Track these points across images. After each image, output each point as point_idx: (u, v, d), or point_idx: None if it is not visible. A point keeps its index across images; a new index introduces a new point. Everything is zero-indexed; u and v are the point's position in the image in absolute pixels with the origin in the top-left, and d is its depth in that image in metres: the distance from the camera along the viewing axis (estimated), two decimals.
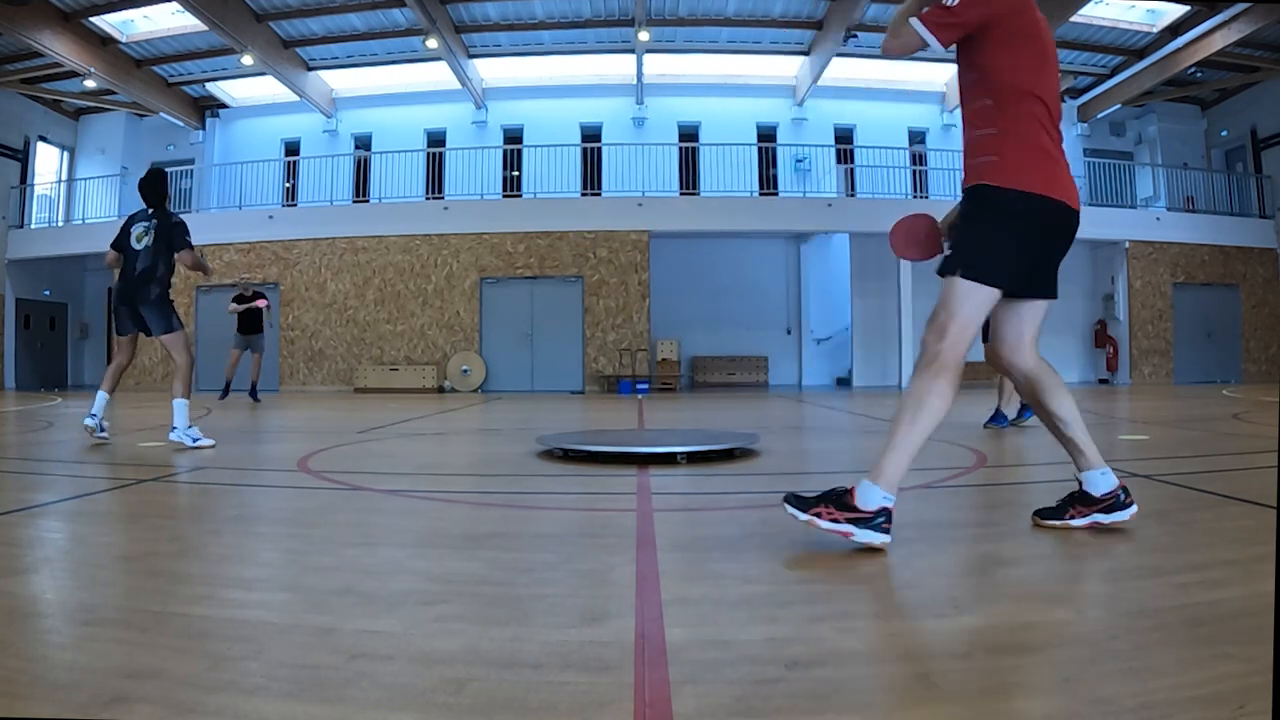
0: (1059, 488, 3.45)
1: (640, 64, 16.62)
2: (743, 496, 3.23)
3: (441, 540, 2.54)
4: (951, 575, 1.95)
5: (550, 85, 17.66)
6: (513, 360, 15.94)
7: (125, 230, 5.16)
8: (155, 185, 5.17)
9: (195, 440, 4.86)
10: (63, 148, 18.32)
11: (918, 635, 1.52)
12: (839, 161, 17.30)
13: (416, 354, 15.92)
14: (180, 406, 4.92)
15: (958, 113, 18.44)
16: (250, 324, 11.52)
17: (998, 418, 5.74)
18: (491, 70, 17.57)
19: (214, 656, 1.41)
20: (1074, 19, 14.20)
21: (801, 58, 17.14)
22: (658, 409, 9.64)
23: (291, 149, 18.08)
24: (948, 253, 2.31)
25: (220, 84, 17.62)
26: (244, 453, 5.11)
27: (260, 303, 11.59)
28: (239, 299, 11.61)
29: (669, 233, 16.06)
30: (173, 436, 4.92)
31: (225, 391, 11.37)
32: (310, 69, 17.11)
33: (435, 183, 16.99)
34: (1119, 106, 17.35)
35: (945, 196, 16.70)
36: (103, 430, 5.06)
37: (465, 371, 15.61)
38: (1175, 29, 14.95)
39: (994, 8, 2.16)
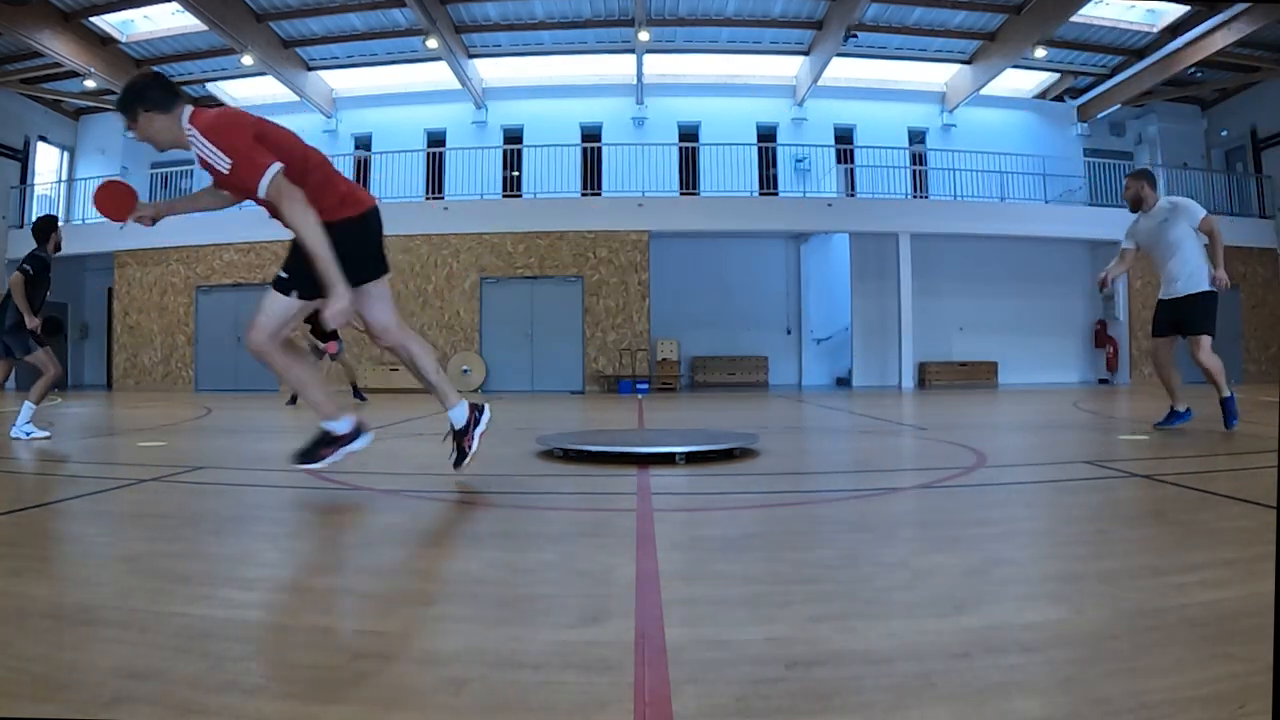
0: (1060, 487, 3.46)
1: (640, 64, 16.62)
2: (743, 496, 3.23)
3: (441, 540, 2.54)
4: (951, 575, 1.95)
5: (550, 85, 17.67)
6: (513, 360, 15.93)
7: None
8: (36, 229, 5.97)
9: (29, 434, 5.43)
10: (63, 148, 18.31)
11: (918, 635, 1.51)
12: (839, 161, 17.30)
13: None
14: (27, 409, 5.58)
15: (958, 113, 18.40)
16: None
17: (1175, 418, 5.56)
18: (491, 70, 17.58)
19: (214, 656, 1.41)
20: (1074, 19, 14.20)
21: (801, 57, 17.15)
22: (658, 409, 9.64)
23: None
24: None
25: (220, 84, 17.62)
26: (244, 452, 5.11)
27: None
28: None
29: (669, 233, 16.05)
30: (14, 433, 5.48)
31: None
32: (310, 69, 17.11)
33: (435, 183, 16.98)
34: (1119, 106, 17.36)
35: (945, 196, 16.71)
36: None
37: (465, 371, 15.60)
38: (1175, 29, 14.95)
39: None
